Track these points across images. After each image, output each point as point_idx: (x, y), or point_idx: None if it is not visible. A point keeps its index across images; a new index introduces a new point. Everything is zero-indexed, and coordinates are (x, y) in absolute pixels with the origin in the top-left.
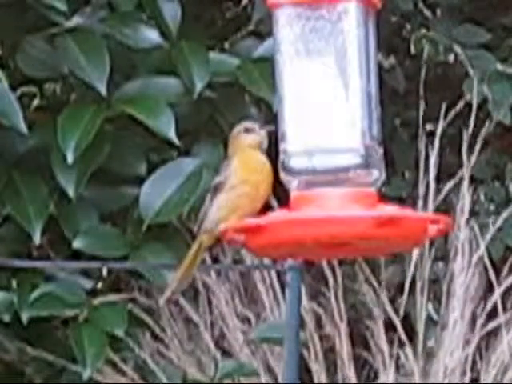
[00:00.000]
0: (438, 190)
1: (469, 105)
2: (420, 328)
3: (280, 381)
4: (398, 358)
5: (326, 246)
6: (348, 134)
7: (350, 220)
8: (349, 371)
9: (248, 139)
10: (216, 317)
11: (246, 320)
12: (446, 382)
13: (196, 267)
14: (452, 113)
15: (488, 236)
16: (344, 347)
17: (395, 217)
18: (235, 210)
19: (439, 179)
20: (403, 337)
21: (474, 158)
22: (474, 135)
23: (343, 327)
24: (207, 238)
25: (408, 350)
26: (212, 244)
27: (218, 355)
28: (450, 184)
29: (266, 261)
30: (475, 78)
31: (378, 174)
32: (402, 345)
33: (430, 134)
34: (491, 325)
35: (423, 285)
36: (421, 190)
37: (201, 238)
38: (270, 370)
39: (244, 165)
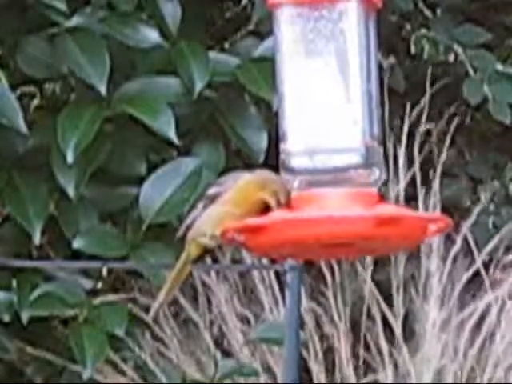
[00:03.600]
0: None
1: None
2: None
3: (279, 381)
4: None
5: (326, 245)
6: (349, 134)
7: (351, 220)
8: (347, 370)
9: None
10: (215, 317)
11: (245, 320)
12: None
13: (183, 278)
14: (451, 113)
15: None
16: (343, 346)
17: (395, 216)
18: (223, 223)
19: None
20: (400, 337)
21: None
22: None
23: (342, 327)
24: (194, 248)
25: (404, 349)
26: (200, 254)
27: (218, 355)
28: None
29: (265, 261)
30: (475, 77)
31: (378, 174)
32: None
33: (430, 134)
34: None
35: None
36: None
37: (188, 249)
38: (269, 369)
39: (244, 193)
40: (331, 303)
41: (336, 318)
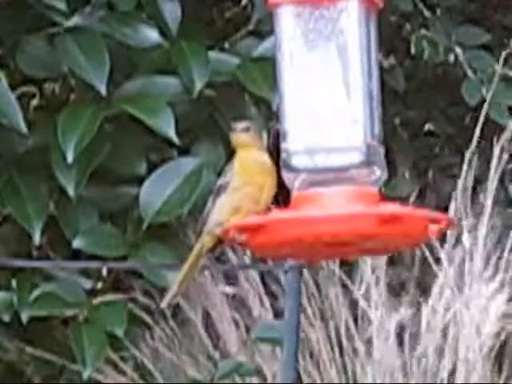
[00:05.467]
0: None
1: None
2: None
3: (275, 381)
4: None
5: (327, 245)
6: (350, 133)
7: (352, 219)
8: (330, 373)
9: (240, 138)
10: (209, 317)
11: (236, 320)
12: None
13: (197, 270)
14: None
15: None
16: (323, 349)
17: (397, 215)
18: (237, 212)
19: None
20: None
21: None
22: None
23: (322, 329)
24: (209, 239)
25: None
26: (214, 246)
27: (215, 355)
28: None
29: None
30: (474, 78)
31: (379, 173)
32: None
33: (430, 134)
34: None
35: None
36: None
37: (203, 240)
38: (259, 370)
39: (244, 166)
40: (313, 305)
41: (312, 319)
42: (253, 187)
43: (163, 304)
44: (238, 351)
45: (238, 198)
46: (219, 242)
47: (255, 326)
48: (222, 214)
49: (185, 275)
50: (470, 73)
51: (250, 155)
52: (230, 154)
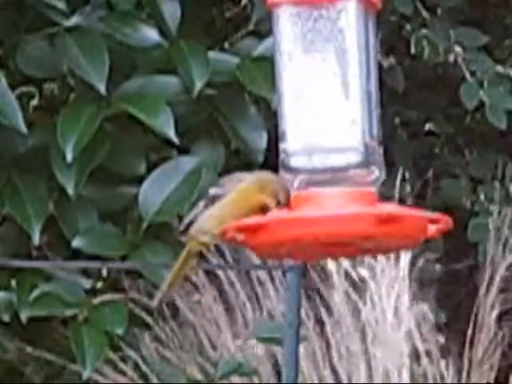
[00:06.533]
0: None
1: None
2: None
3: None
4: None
5: (325, 245)
6: (348, 133)
7: (350, 219)
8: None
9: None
10: (204, 317)
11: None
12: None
13: (187, 270)
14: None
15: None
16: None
17: (395, 216)
18: (222, 224)
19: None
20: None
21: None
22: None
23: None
24: (195, 244)
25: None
26: (201, 249)
27: (212, 354)
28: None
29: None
30: (473, 81)
31: (377, 173)
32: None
33: (430, 134)
34: None
35: None
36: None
37: (189, 245)
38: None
39: (245, 196)
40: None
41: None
42: (245, 210)
43: (154, 303)
44: (235, 352)
45: (228, 214)
46: (206, 245)
47: (255, 326)
48: (208, 223)
49: (174, 276)
50: (468, 75)
51: (252, 198)
52: (229, 153)
